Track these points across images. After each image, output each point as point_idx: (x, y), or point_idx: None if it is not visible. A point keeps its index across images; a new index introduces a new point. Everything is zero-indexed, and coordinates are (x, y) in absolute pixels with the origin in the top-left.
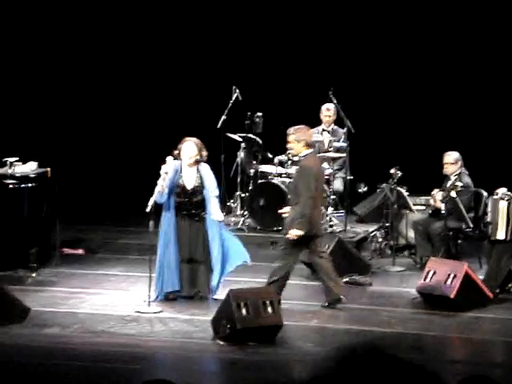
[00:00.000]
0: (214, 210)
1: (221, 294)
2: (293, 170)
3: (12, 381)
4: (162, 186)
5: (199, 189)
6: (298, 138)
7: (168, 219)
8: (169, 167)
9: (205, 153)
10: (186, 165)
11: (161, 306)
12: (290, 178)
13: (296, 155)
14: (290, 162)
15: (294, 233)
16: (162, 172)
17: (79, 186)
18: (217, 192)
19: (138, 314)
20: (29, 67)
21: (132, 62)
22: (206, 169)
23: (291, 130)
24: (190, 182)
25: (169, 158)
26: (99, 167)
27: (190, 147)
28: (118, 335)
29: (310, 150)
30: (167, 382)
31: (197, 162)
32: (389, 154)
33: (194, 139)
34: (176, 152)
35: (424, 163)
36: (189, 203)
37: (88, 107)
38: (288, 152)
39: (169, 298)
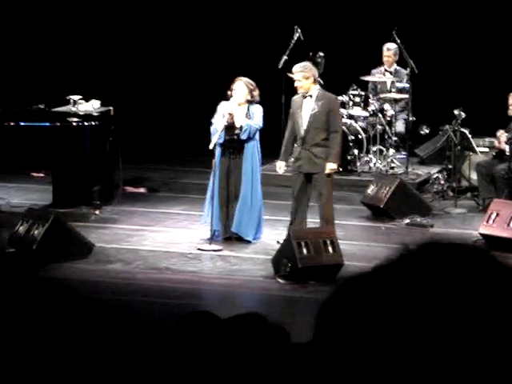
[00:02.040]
0: (241, 118)
1: (265, 234)
2: (355, 111)
3: (77, 315)
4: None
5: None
6: (306, 75)
7: (218, 158)
8: (221, 108)
9: (256, 93)
10: (237, 104)
11: (221, 244)
12: (351, 119)
13: (306, 92)
14: (351, 102)
15: (332, 167)
16: (218, 113)
17: (142, 124)
18: (259, 123)
19: (199, 252)
20: (95, 5)
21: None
22: (256, 109)
23: (296, 67)
24: (238, 121)
25: (222, 103)
26: (162, 106)
27: (240, 87)
28: (179, 272)
29: (319, 86)
30: (205, 312)
31: (248, 102)
32: (452, 95)
33: (245, 79)
34: (229, 92)
35: (488, 104)
36: (235, 141)
37: (152, 45)
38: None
39: (216, 237)
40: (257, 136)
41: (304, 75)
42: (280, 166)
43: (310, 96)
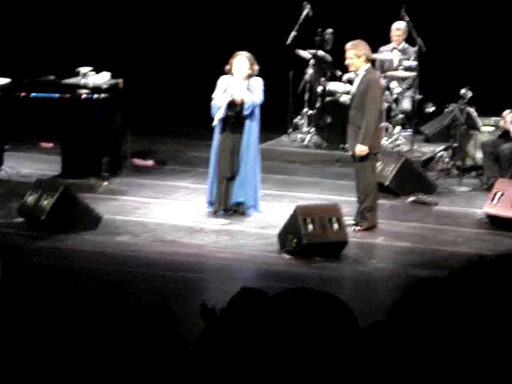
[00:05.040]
0: (241, 93)
1: (270, 209)
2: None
3: (86, 285)
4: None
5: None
6: (358, 53)
7: (217, 134)
8: (221, 83)
9: (256, 67)
10: (238, 79)
11: (229, 218)
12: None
13: (356, 70)
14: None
15: (361, 148)
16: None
17: (151, 97)
18: (261, 97)
19: (206, 226)
20: None
21: None
22: (256, 82)
23: (349, 44)
24: (238, 97)
25: (222, 77)
26: (171, 79)
27: (241, 61)
28: (186, 245)
29: (369, 65)
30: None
31: (249, 76)
32: (460, 74)
33: (245, 53)
34: (228, 67)
35: (495, 84)
36: (237, 116)
37: (159, 19)
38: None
39: (221, 210)
40: (257, 111)
41: (356, 53)
42: None
43: (357, 75)
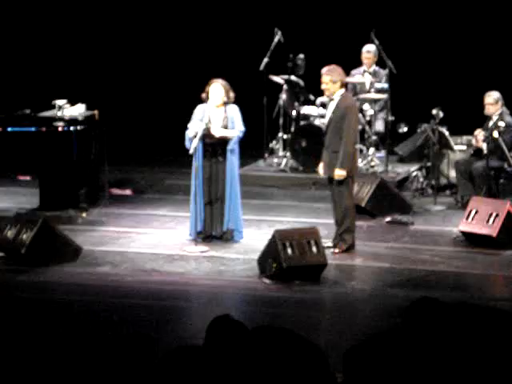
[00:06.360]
0: (222, 130)
1: (250, 234)
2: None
3: (67, 318)
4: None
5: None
6: (333, 79)
7: (197, 161)
8: (197, 111)
9: (232, 94)
10: (214, 107)
11: (207, 245)
12: None
13: (331, 95)
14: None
15: (340, 173)
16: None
17: (126, 128)
18: (242, 129)
19: (185, 253)
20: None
21: (174, 3)
22: (233, 110)
23: (325, 70)
24: (216, 124)
25: (199, 106)
26: (145, 109)
27: (216, 89)
28: (167, 274)
29: (344, 89)
30: (230, 318)
31: (224, 104)
32: (430, 95)
33: (221, 81)
34: (204, 95)
35: (466, 103)
36: (216, 145)
37: (133, 49)
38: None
39: (200, 238)
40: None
41: (332, 79)
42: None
43: (332, 99)
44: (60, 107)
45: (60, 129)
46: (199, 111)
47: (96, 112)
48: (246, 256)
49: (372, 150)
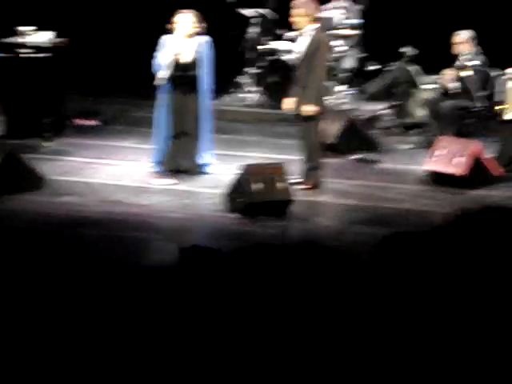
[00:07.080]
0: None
1: (217, 168)
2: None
3: (32, 247)
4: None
5: (195, 63)
6: (306, 12)
7: (163, 93)
8: (164, 42)
9: (203, 24)
10: (183, 37)
11: (173, 178)
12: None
13: (301, 29)
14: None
15: (308, 109)
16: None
17: (95, 57)
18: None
19: (150, 186)
20: None
21: None
22: (204, 42)
23: (297, 2)
24: (186, 56)
25: (164, 36)
26: (117, 38)
27: (185, 19)
28: (131, 205)
29: (318, 24)
30: (204, 247)
31: (195, 35)
32: (403, 32)
33: (190, 11)
34: (170, 25)
35: (438, 42)
36: (183, 77)
37: None
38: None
39: (166, 171)
40: (206, 70)
41: (304, 11)
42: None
43: (301, 34)
44: (22, 33)
45: (22, 55)
46: (165, 41)
47: (66, 40)
48: (212, 190)
49: (341, 87)
